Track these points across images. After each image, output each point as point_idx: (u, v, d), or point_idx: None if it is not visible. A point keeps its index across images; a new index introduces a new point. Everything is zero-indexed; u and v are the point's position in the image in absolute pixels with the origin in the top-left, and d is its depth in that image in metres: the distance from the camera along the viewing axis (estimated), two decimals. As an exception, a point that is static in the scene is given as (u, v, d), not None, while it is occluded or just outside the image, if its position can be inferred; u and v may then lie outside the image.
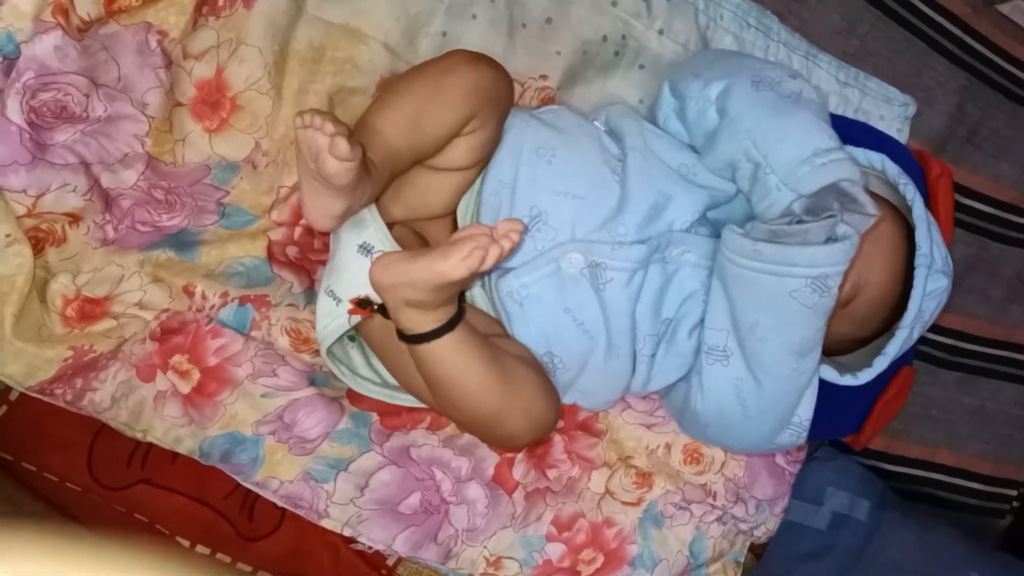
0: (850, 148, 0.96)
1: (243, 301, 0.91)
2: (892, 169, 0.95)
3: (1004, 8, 1.26)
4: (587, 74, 1.03)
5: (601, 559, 1.04)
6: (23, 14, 0.73)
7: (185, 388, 0.88)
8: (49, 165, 0.79)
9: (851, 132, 1.02)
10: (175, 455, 0.89)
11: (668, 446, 1.08)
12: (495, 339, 0.85)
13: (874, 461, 1.32)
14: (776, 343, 0.84)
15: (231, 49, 0.87)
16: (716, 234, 0.90)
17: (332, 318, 0.86)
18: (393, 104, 0.82)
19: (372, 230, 0.85)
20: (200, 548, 0.92)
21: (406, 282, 0.73)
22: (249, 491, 0.91)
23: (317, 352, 0.94)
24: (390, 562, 0.99)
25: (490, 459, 1.00)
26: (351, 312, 0.84)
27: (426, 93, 0.82)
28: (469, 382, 0.79)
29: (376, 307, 0.82)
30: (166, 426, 0.88)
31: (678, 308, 0.90)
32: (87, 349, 0.84)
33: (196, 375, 0.89)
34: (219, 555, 0.92)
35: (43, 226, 0.81)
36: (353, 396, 0.95)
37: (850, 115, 1.16)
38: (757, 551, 1.17)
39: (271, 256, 0.93)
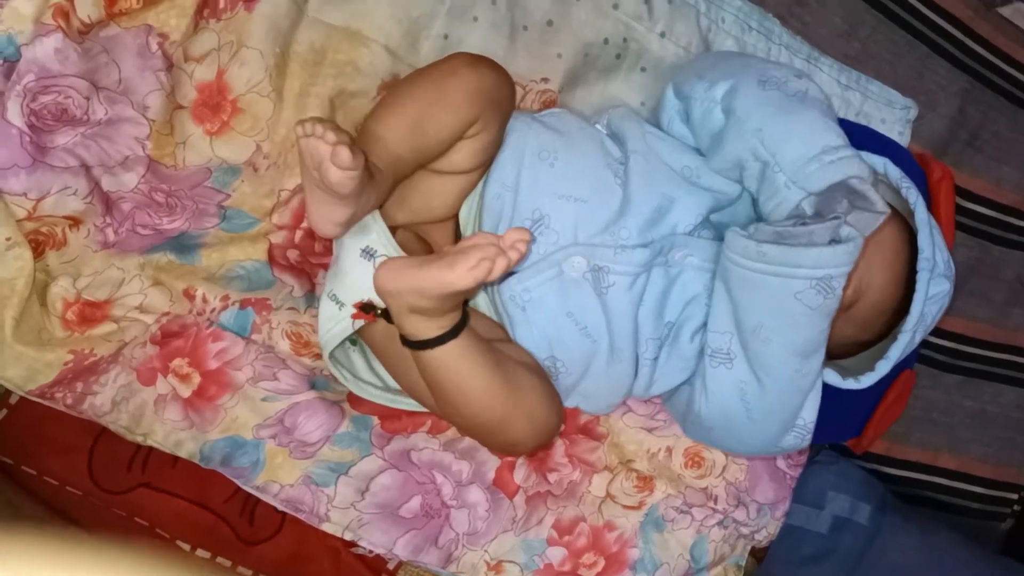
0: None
1: (244, 304, 0.91)
2: (894, 172, 0.95)
3: (1005, 11, 1.26)
4: (588, 77, 1.03)
5: (602, 563, 1.04)
6: (24, 16, 0.73)
7: (186, 392, 0.88)
8: (49, 168, 0.78)
9: (853, 135, 1.02)
10: (175, 459, 0.89)
11: (669, 450, 1.08)
12: (498, 344, 0.85)
13: (875, 465, 1.32)
14: (780, 345, 0.84)
15: (232, 52, 0.86)
16: (719, 237, 0.90)
17: (335, 322, 0.86)
18: (396, 109, 0.82)
19: (375, 234, 0.85)
20: (200, 552, 0.91)
21: (411, 289, 0.72)
22: (249, 495, 0.91)
23: (318, 356, 0.94)
24: (391, 566, 0.99)
25: (491, 463, 0.99)
26: (354, 316, 0.84)
27: (429, 97, 0.82)
28: (473, 388, 0.78)
29: (380, 312, 0.82)
30: (166, 430, 0.88)
31: (681, 311, 0.90)
32: (87, 353, 0.84)
33: (196, 379, 0.89)
34: (219, 559, 0.92)
35: (43, 229, 0.81)
36: (354, 400, 0.95)
37: (851, 118, 1.16)
38: (758, 555, 1.17)
39: (272, 259, 0.93)
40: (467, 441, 0.99)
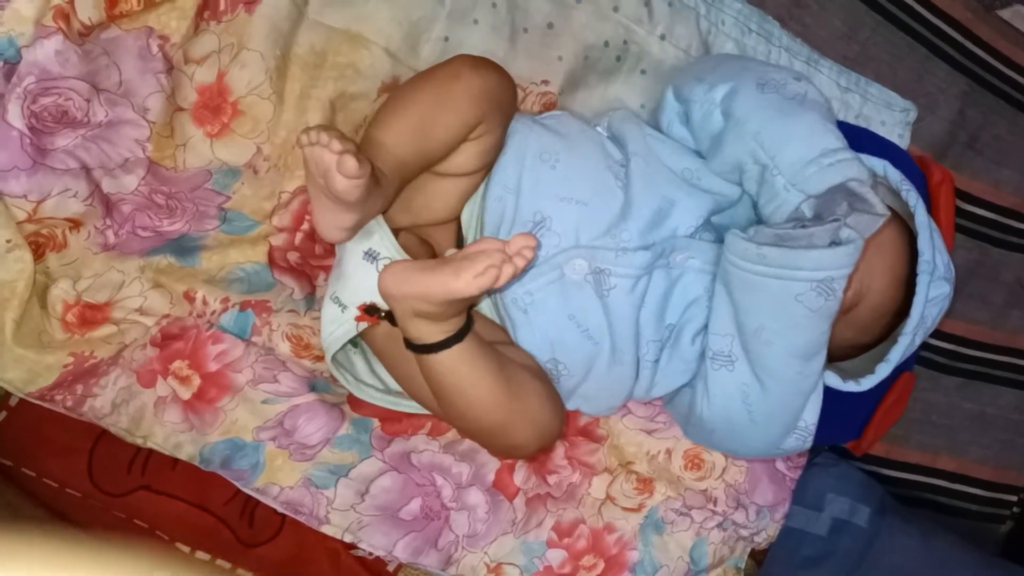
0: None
1: (244, 307, 0.91)
2: (894, 175, 0.95)
3: (1005, 13, 1.27)
4: (589, 79, 1.03)
5: (602, 565, 1.04)
6: (24, 19, 0.73)
7: (185, 394, 0.88)
8: (50, 170, 0.78)
9: (853, 138, 1.02)
10: (175, 461, 0.89)
11: (669, 452, 1.08)
12: (500, 347, 0.85)
13: (874, 467, 1.32)
14: (781, 347, 0.84)
15: (232, 54, 0.86)
16: (720, 239, 0.90)
17: (337, 324, 0.86)
18: (399, 113, 0.82)
19: (378, 237, 0.85)
20: (200, 554, 0.91)
21: (417, 295, 0.72)
22: (249, 497, 0.91)
23: (318, 358, 0.94)
24: (391, 568, 0.99)
25: (491, 465, 0.99)
26: (358, 319, 0.84)
27: (432, 100, 0.82)
28: (477, 392, 0.78)
29: (383, 314, 0.82)
30: (166, 432, 0.88)
31: (682, 313, 0.90)
32: (87, 355, 0.84)
33: (196, 381, 0.89)
34: (219, 561, 0.92)
35: (44, 231, 0.81)
36: (354, 402, 0.95)
37: (851, 121, 1.16)
38: (758, 557, 1.17)
39: (272, 262, 0.93)
40: (467, 443, 0.99)
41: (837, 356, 0.99)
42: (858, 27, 1.18)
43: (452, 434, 0.99)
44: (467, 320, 0.78)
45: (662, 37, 1.04)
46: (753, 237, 0.83)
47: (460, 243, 0.92)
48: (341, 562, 0.96)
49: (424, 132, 0.81)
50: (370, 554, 0.95)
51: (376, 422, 0.95)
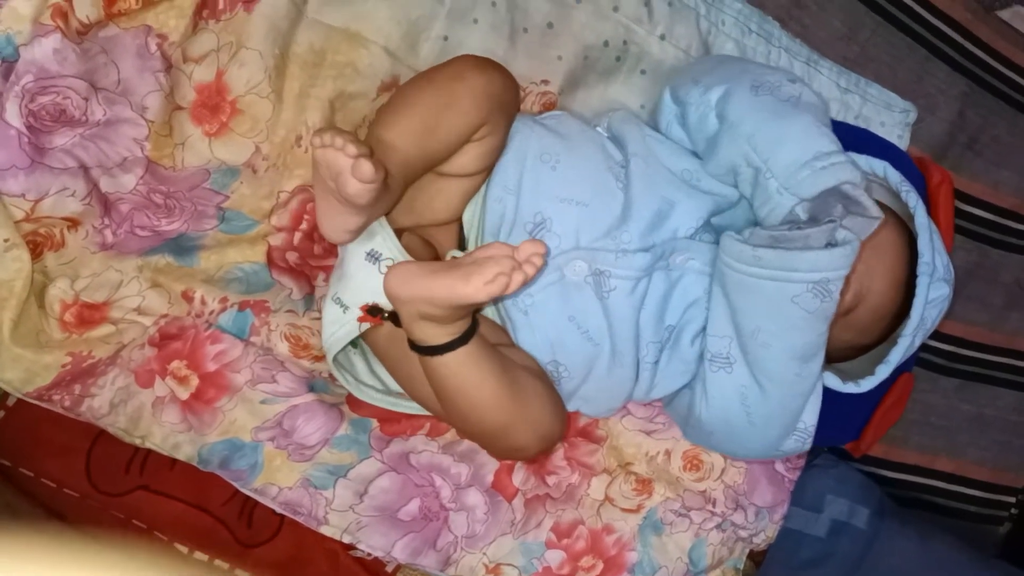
0: (853, 154, 0.96)
1: (242, 307, 0.91)
2: (894, 176, 0.95)
3: (1004, 14, 1.26)
4: (588, 79, 1.03)
5: (600, 566, 1.04)
6: (22, 17, 0.73)
7: (184, 394, 0.88)
8: (48, 169, 0.78)
9: (853, 139, 1.02)
10: (174, 461, 0.89)
11: (668, 452, 1.08)
12: (502, 348, 0.84)
13: (873, 468, 1.32)
14: (779, 349, 0.84)
15: (231, 52, 0.86)
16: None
17: (339, 325, 0.86)
18: (405, 113, 0.82)
19: (380, 238, 0.85)
20: (198, 554, 0.91)
21: (424, 298, 0.72)
22: (248, 497, 0.91)
23: (316, 358, 0.94)
24: (389, 568, 0.98)
25: (489, 465, 0.99)
26: (361, 320, 0.84)
27: (438, 101, 0.82)
28: (480, 395, 0.78)
29: (386, 315, 0.82)
30: (164, 432, 0.88)
31: (681, 315, 0.90)
32: (85, 355, 0.83)
33: (195, 381, 0.88)
34: (217, 561, 0.92)
35: (41, 230, 0.81)
36: (353, 402, 0.95)
37: (851, 121, 1.16)
38: (756, 558, 1.17)
39: (271, 262, 0.93)
40: (466, 444, 0.98)
41: (836, 357, 0.99)
42: (858, 28, 1.18)
43: (451, 435, 0.99)
44: (472, 322, 0.78)
45: (662, 37, 1.04)
46: (748, 239, 0.83)
47: (462, 244, 0.92)
48: (340, 563, 0.95)
49: (429, 133, 0.81)
50: (369, 555, 0.95)
51: (375, 422, 0.95)
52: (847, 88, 1.15)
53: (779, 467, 1.14)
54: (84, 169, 0.81)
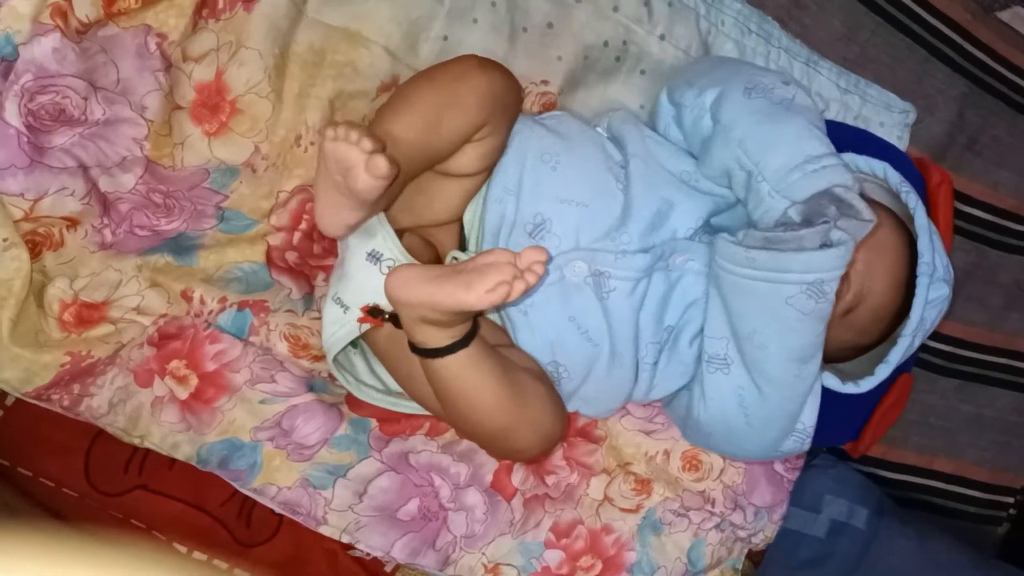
0: (852, 155, 0.96)
1: (241, 306, 0.91)
2: (894, 177, 0.95)
3: (1004, 15, 1.27)
4: (588, 79, 1.03)
5: (599, 566, 1.04)
6: (21, 16, 0.73)
7: (183, 394, 0.88)
8: (47, 168, 0.78)
9: (852, 139, 1.02)
10: (172, 461, 0.89)
11: (667, 452, 1.08)
12: (502, 349, 0.84)
13: (872, 468, 1.32)
14: (775, 350, 0.84)
15: (231, 52, 0.86)
16: (720, 241, 0.90)
17: (339, 325, 0.85)
18: (408, 110, 0.81)
19: (380, 238, 0.85)
20: (197, 554, 0.91)
21: (425, 303, 0.72)
22: (247, 497, 0.90)
23: (316, 358, 0.94)
24: (388, 568, 0.98)
25: (489, 465, 0.99)
26: (361, 320, 0.84)
27: (440, 100, 0.81)
28: (481, 397, 0.78)
29: (387, 316, 0.82)
30: (163, 432, 0.87)
31: (681, 316, 0.90)
32: (84, 354, 0.83)
33: (194, 381, 0.88)
34: (216, 562, 0.91)
35: (40, 230, 0.80)
36: (352, 402, 0.95)
37: (850, 122, 1.16)
38: (755, 558, 1.17)
39: (270, 261, 0.92)
40: (465, 444, 0.98)
41: (836, 358, 0.99)
42: (857, 28, 1.18)
43: (450, 434, 0.99)
44: (473, 325, 0.78)
45: (662, 37, 1.04)
46: (742, 241, 0.83)
47: (463, 244, 0.92)
48: (339, 563, 0.95)
49: (430, 131, 0.81)
50: (368, 555, 0.95)
51: (374, 422, 0.95)
52: (847, 89, 1.15)
53: (778, 467, 1.14)
54: (83, 168, 0.81)
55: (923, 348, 1.20)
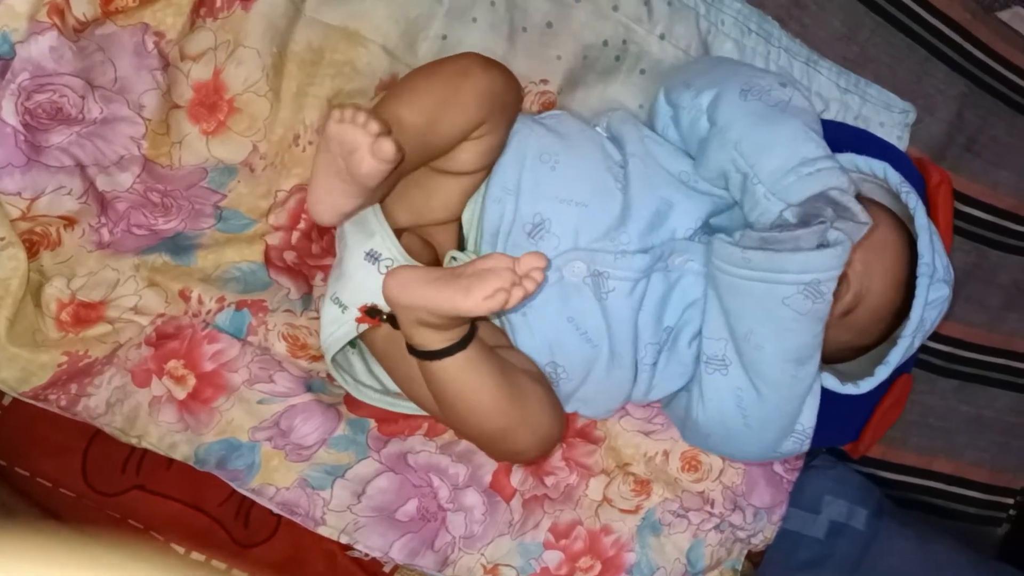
0: (852, 155, 0.96)
1: (240, 306, 0.90)
2: (894, 177, 0.95)
3: (1004, 15, 1.26)
4: (588, 79, 1.03)
5: (599, 567, 1.04)
6: (18, 14, 0.72)
7: (180, 394, 0.88)
8: (44, 167, 0.78)
9: (852, 139, 1.02)
10: (170, 461, 0.89)
11: (666, 453, 1.08)
12: (501, 351, 0.84)
13: (871, 469, 1.32)
14: (773, 351, 0.84)
15: (229, 51, 0.86)
16: (720, 241, 0.90)
17: (338, 325, 0.85)
18: (409, 103, 0.81)
19: (379, 237, 0.85)
20: (195, 555, 0.91)
21: (423, 307, 0.72)
22: (245, 498, 0.90)
23: (314, 358, 0.94)
24: (387, 569, 0.98)
25: (488, 466, 0.99)
26: (359, 320, 0.83)
27: (442, 95, 0.81)
28: (479, 399, 0.78)
29: (384, 316, 0.82)
30: (161, 432, 0.87)
31: (680, 316, 0.90)
32: (82, 354, 0.83)
33: (192, 381, 0.88)
34: (214, 562, 0.91)
35: (38, 229, 0.80)
36: (350, 402, 0.95)
37: (850, 122, 1.15)
38: (755, 559, 1.17)
39: (268, 261, 0.92)
40: (464, 444, 0.98)
41: (835, 358, 0.99)
42: (857, 28, 1.18)
43: (449, 435, 0.99)
44: (471, 328, 0.78)
45: (661, 37, 1.03)
46: (739, 241, 0.83)
47: (461, 244, 0.92)
48: (337, 563, 0.95)
49: (431, 126, 0.80)
50: (366, 555, 0.94)
51: (372, 423, 0.95)
52: (846, 88, 1.15)
53: (777, 468, 1.14)
54: (81, 167, 0.81)
55: (922, 349, 1.20)
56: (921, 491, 1.38)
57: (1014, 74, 1.29)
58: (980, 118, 1.29)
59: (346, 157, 0.72)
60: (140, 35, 0.80)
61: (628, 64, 1.04)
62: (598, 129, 0.96)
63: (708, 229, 0.92)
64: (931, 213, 1.02)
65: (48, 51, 0.74)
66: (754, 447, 0.92)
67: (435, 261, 0.91)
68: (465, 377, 0.77)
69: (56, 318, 0.83)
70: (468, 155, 0.85)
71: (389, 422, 0.96)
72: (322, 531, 0.91)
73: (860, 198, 0.84)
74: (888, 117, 1.18)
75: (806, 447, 0.91)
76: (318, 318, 0.90)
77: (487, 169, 0.89)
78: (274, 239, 0.93)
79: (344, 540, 0.92)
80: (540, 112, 1.00)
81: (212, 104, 0.86)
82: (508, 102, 0.86)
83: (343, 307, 0.85)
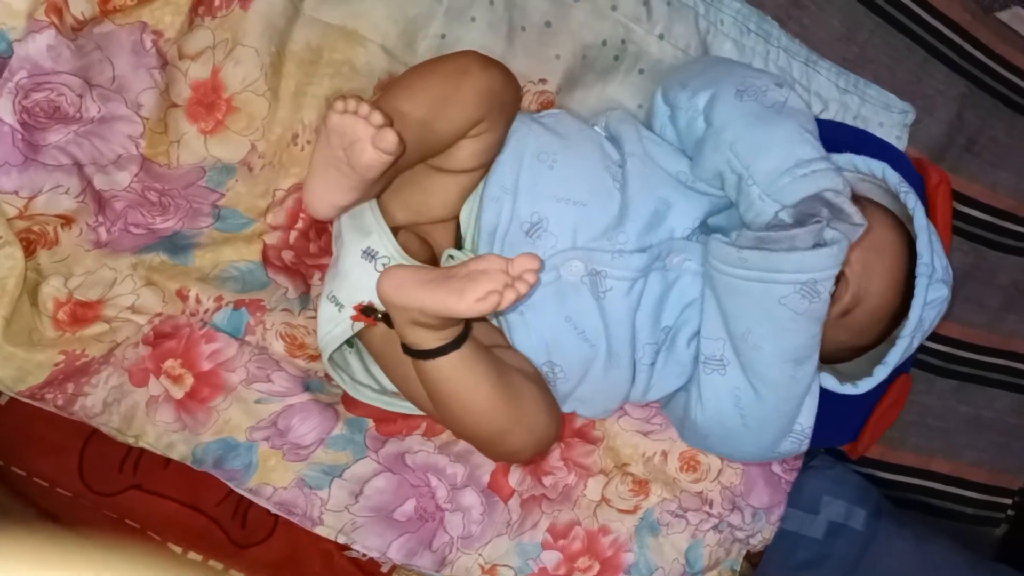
0: (851, 155, 0.96)
1: (237, 305, 0.90)
2: (893, 177, 0.95)
3: (1004, 16, 1.26)
4: (586, 78, 1.03)
5: (597, 567, 1.04)
6: (16, 12, 0.72)
7: (178, 393, 0.87)
8: (41, 166, 0.77)
9: (851, 139, 1.02)
10: (167, 461, 0.88)
11: (665, 453, 1.08)
12: (497, 350, 0.84)
13: (869, 469, 1.32)
14: (770, 351, 0.83)
15: (227, 50, 0.86)
16: (718, 240, 0.90)
17: (334, 324, 0.85)
18: (408, 98, 0.81)
19: (376, 235, 0.84)
20: (192, 555, 0.91)
21: (416, 308, 0.72)
22: (242, 497, 0.90)
23: (312, 357, 0.93)
24: (384, 569, 0.98)
25: (486, 466, 0.99)
26: (354, 319, 0.83)
27: (441, 92, 0.81)
28: (474, 398, 0.78)
29: (380, 315, 0.81)
30: (158, 431, 0.87)
31: (678, 316, 0.90)
32: (79, 353, 0.83)
33: (189, 380, 0.88)
34: (211, 562, 0.91)
35: (35, 228, 0.80)
36: (348, 402, 0.94)
37: (849, 122, 1.15)
38: (753, 560, 1.17)
39: (266, 260, 0.92)
40: (462, 444, 0.98)
41: (834, 358, 0.99)
42: (857, 28, 1.18)
43: (447, 435, 0.98)
44: (466, 327, 0.77)
45: (660, 36, 1.03)
46: (735, 241, 0.83)
47: (459, 242, 0.92)
48: (335, 563, 0.95)
49: (430, 123, 0.80)
50: (364, 555, 0.94)
51: (370, 422, 0.95)
52: (846, 89, 1.15)
53: (776, 468, 1.13)
54: (78, 166, 0.80)
55: (921, 349, 1.20)
56: (919, 491, 1.38)
57: (1014, 75, 1.29)
58: (979, 119, 1.29)
59: (347, 148, 0.72)
60: (138, 34, 0.80)
61: (627, 64, 1.03)
62: (596, 128, 0.96)
63: (706, 229, 0.92)
64: (930, 213, 1.02)
65: (46, 50, 0.74)
66: (752, 447, 0.92)
67: (432, 259, 0.91)
68: (459, 377, 0.77)
69: (53, 317, 0.82)
70: (466, 153, 0.85)
71: (387, 422, 0.95)
72: (319, 531, 0.91)
73: (858, 198, 0.84)
74: (887, 117, 1.18)
75: (804, 447, 0.91)
76: (316, 317, 0.90)
77: (485, 167, 0.89)
78: (272, 238, 0.92)
79: (342, 540, 0.92)
80: (539, 111, 0.99)
81: (210, 103, 0.86)
82: (507, 100, 0.86)
83: (339, 306, 0.85)
